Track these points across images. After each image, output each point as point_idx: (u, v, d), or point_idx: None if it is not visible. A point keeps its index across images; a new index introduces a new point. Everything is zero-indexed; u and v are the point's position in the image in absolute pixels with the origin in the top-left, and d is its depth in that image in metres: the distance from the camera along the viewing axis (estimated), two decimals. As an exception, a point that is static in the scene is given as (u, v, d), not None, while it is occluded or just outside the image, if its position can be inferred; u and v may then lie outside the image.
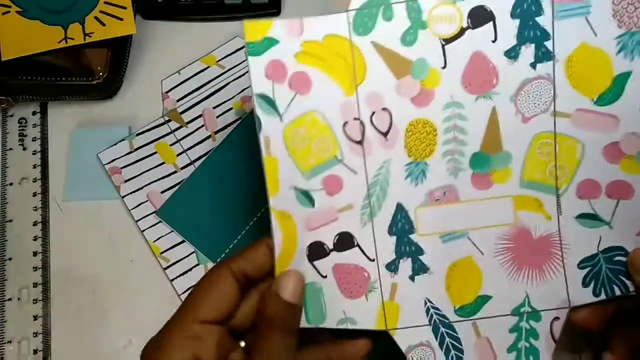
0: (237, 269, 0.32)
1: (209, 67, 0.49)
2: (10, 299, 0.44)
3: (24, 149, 0.48)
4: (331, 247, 0.35)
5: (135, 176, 0.46)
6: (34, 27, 0.46)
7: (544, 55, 0.33)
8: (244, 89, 0.49)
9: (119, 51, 0.48)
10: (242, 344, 0.33)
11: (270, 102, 0.34)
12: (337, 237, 0.35)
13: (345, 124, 0.34)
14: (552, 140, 0.34)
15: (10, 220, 0.46)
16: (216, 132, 0.48)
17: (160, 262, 0.44)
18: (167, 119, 0.48)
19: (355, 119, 0.34)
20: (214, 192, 0.46)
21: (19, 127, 0.49)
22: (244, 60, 0.49)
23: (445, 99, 0.34)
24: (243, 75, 0.49)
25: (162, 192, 0.46)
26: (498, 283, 0.35)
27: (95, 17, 0.47)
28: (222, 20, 0.51)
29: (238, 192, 0.45)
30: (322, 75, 0.34)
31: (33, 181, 0.47)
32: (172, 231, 0.45)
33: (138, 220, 0.45)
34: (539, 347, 0.34)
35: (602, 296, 0.34)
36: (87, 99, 0.49)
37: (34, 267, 0.45)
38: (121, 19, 0.47)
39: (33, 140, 0.48)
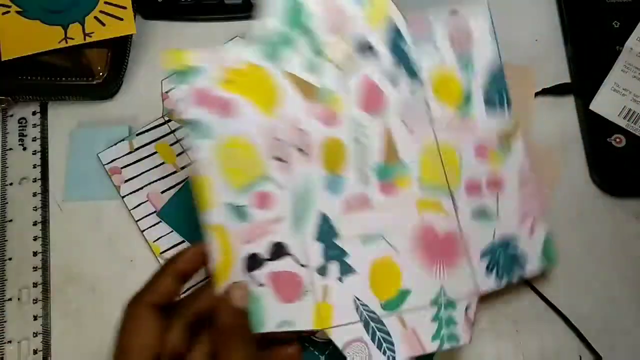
0: (152, 303, 0.34)
1: (209, 67, 0.49)
2: (10, 299, 0.44)
3: (24, 149, 0.48)
4: (266, 257, 0.36)
5: (135, 176, 0.46)
6: (34, 27, 0.46)
7: (412, 75, 0.40)
8: (244, 89, 0.49)
9: (119, 51, 0.48)
10: None
11: (199, 126, 0.36)
12: (270, 248, 0.37)
13: (269, 144, 0.37)
14: (436, 147, 0.40)
15: (11, 220, 0.46)
16: (216, 132, 0.48)
17: (160, 262, 0.44)
18: (167, 119, 0.48)
19: (276, 139, 0.37)
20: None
21: (19, 127, 0.49)
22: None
23: (348, 119, 0.39)
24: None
25: (162, 192, 0.46)
26: (415, 277, 0.38)
27: (95, 17, 0.47)
28: (222, 20, 0.51)
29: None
30: (245, 100, 0.37)
31: (33, 181, 0.47)
32: (172, 231, 0.45)
33: (138, 220, 0.45)
34: (458, 332, 0.38)
35: (504, 281, 0.40)
36: (87, 99, 0.49)
37: (34, 267, 0.45)
38: (121, 19, 0.47)
39: (33, 140, 0.48)
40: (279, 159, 0.37)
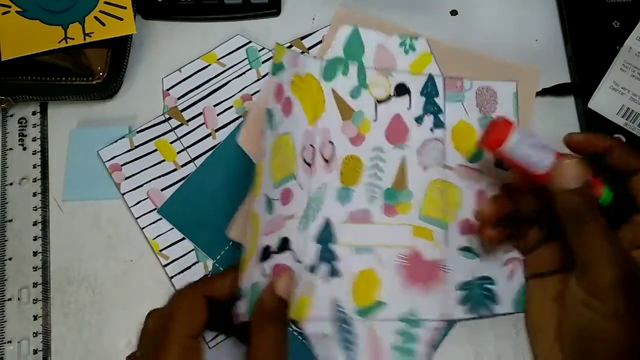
0: (206, 294, 0.36)
1: (209, 65, 0.49)
2: (10, 299, 0.44)
3: (24, 149, 0.48)
4: (274, 249, 0.40)
5: (136, 173, 0.46)
6: (34, 27, 0.46)
7: (438, 124, 0.45)
8: (245, 87, 0.49)
9: (119, 51, 0.48)
10: None
11: (271, 117, 0.43)
12: (279, 241, 0.40)
13: (304, 148, 0.43)
14: (442, 185, 0.44)
15: (10, 220, 0.46)
16: (216, 130, 0.48)
17: (159, 259, 0.44)
18: (167, 116, 0.48)
19: (310, 145, 0.43)
20: (214, 191, 0.46)
21: (19, 127, 0.49)
22: (245, 59, 0.50)
23: (372, 143, 0.44)
24: (244, 73, 0.49)
25: (162, 189, 0.46)
26: (393, 293, 0.41)
27: (95, 17, 0.47)
28: (222, 20, 0.51)
29: (238, 190, 0.45)
30: (299, 104, 0.43)
31: (33, 181, 0.47)
32: (172, 229, 0.45)
33: (138, 218, 0.45)
34: (418, 350, 0.41)
35: (474, 314, 0.41)
36: (87, 99, 0.49)
37: (34, 267, 0.45)
38: (121, 19, 0.47)
39: (33, 140, 0.48)
40: (307, 163, 0.43)
